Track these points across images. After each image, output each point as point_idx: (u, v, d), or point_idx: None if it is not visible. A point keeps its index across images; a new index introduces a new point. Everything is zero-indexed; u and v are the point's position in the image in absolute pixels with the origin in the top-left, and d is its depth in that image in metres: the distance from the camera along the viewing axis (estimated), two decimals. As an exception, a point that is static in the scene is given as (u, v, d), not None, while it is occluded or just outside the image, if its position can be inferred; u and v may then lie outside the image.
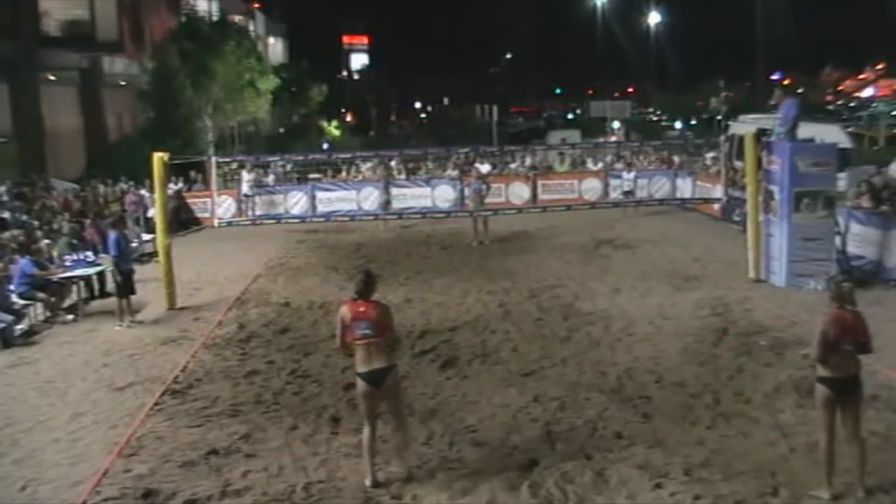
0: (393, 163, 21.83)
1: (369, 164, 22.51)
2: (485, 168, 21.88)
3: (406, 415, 5.88)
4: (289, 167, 22.55)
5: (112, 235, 10.67)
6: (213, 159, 15.38)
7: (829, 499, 5.26)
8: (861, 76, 58.14)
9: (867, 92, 53.06)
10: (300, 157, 21.39)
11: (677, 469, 5.73)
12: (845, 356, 5.25)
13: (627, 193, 19.09)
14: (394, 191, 19.93)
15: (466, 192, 16.66)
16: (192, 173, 20.86)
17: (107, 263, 12.67)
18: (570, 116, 67.24)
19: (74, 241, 12.85)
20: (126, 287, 10.51)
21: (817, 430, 5.47)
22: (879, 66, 55.05)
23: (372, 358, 5.53)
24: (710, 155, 19.62)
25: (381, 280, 12.51)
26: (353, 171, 22.55)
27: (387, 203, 18.41)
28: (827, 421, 5.31)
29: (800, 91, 46.98)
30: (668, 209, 18.56)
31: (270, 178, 21.38)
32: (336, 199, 20.00)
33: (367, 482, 5.66)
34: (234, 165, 19.73)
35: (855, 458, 5.35)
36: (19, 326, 10.09)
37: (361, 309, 5.57)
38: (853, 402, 5.35)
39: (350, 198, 19.87)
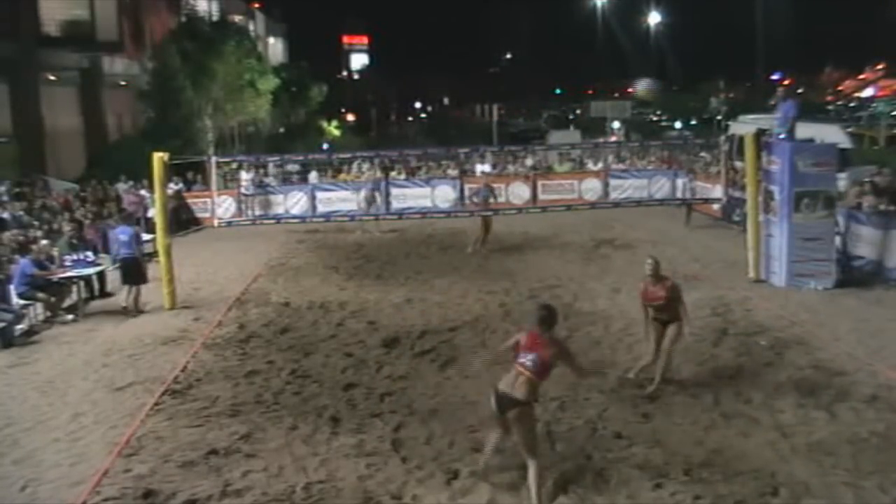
0: (393, 172, 21.76)
1: (367, 166, 22.54)
2: (486, 167, 21.89)
3: (536, 453, 5.39)
4: (289, 167, 22.54)
5: (129, 230, 11.43)
6: (213, 159, 15.36)
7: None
8: (861, 76, 58.09)
9: (867, 92, 53.02)
10: (300, 157, 21.39)
11: (677, 469, 5.74)
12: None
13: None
14: (393, 191, 19.93)
15: (475, 196, 16.02)
16: (190, 175, 20.81)
17: (107, 263, 12.74)
18: (569, 116, 67.23)
19: (74, 241, 12.85)
20: (136, 276, 11.19)
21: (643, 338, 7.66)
22: (879, 67, 55.02)
23: (514, 384, 5.33)
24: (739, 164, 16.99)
25: (380, 280, 12.71)
26: (356, 171, 22.56)
27: (373, 202, 17.87)
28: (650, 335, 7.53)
29: (800, 91, 46.99)
30: (668, 209, 18.52)
31: (270, 179, 21.38)
32: (336, 199, 19.99)
33: (480, 466, 5.73)
34: (235, 165, 19.72)
35: (660, 364, 7.38)
36: (19, 326, 10.07)
37: (539, 342, 5.43)
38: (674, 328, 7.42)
39: (350, 198, 19.87)
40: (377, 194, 18.06)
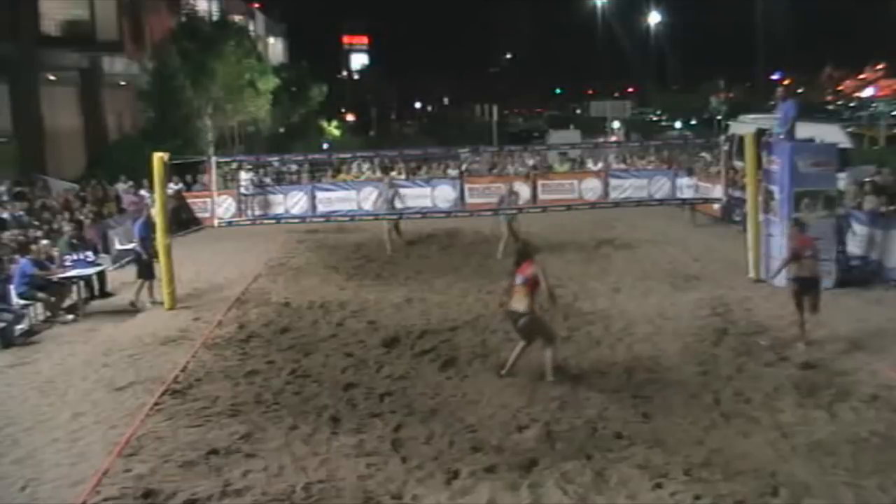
0: (393, 173, 21.54)
1: (367, 166, 22.49)
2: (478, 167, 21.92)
3: (553, 341, 7.76)
4: (292, 167, 22.53)
5: (141, 219, 11.90)
6: (213, 159, 15.36)
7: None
8: (861, 76, 58.07)
9: (867, 92, 53.00)
10: (300, 157, 21.39)
11: (677, 469, 5.73)
12: None
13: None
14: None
15: (503, 202, 14.78)
16: (188, 178, 20.77)
17: (107, 263, 12.75)
18: (569, 116, 67.19)
19: (74, 241, 12.85)
20: (149, 270, 11.46)
21: None
22: (879, 66, 55.02)
23: (514, 301, 7.52)
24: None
25: (380, 280, 12.71)
26: (356, 171, 22.53)
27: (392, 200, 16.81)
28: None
29: (800, 91, 47.01)
30: (669, 209, 18.51)
31: (269, 179, 21.35)
32: (336, 199, 20.01)
33: (503, 372, 7.72)
34: (234, 166, 19.71)
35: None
36: (19, 326, 10.08)
37: (523, 267, 7.58)
38: None
39: (350, 198, 19.88)
40: (397, 197, 16.61)
